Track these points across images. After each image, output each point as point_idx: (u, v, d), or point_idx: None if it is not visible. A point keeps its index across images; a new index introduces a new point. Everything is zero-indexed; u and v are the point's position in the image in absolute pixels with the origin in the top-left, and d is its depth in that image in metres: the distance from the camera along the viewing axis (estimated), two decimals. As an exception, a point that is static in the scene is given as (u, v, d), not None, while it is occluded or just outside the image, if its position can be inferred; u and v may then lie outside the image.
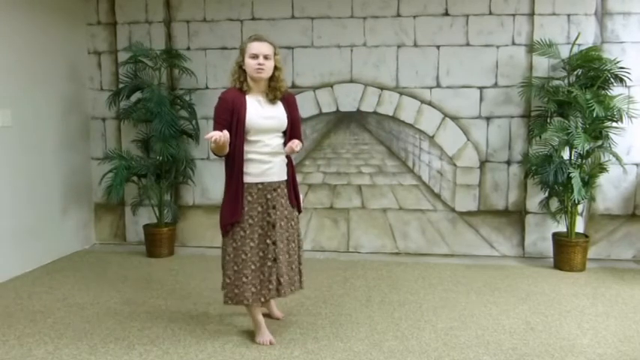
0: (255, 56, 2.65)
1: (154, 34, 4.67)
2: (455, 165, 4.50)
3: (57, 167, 4.41)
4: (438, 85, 4.43)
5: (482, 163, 4.47)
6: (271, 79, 2.73)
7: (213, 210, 4.77)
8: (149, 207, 4.57)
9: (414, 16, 4.41)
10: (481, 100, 4.41)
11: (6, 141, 3.85)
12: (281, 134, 2.78)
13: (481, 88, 4.40)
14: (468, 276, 3.95)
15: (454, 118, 4.45)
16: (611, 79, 4.01)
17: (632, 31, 4.20)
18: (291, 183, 2.86)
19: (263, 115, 2.70)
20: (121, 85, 4.53)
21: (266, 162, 2.72)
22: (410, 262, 4.31)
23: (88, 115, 4.83)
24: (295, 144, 2.65)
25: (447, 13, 4.38)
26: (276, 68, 2.71)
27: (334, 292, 3.57)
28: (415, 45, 4.43)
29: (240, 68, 2.72)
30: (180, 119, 4.49)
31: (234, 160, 2.69)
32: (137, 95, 4.42)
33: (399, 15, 4.43)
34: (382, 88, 4.48)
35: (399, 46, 4.45)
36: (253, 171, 2.71)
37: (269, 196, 2.74)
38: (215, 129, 2.60)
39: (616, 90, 4.04)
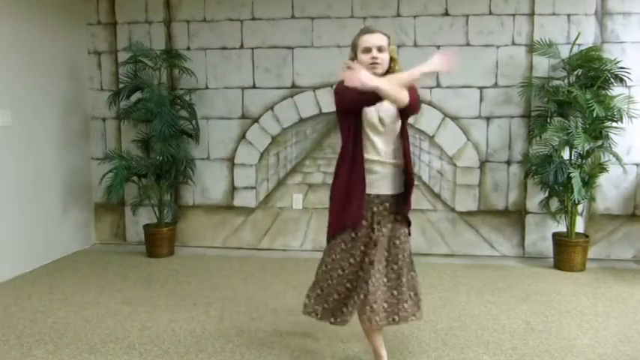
0: (367, 50, 2.33)
1: (154, 34, 4.67)
2: (455, 165, 4.50)
3: (57, 167, 4.41)
4: (438, 85, 4.43)
5: (483, 163, 4.47)
6: (387, 72, 2.37)
7: (213, 210, 4.78)
8: (149, 207, 4.57)
9: (414, 16, 4.41)
10: (481, 100, 4.41)
11: (6, 141, 3.85)
12: (395, 139, 2.40)
13: (481, 88, 4.40)
14: (468, 276, 3.95)
15: (454, 118, 4.45)
16: (611, 79, 4.01)
17: (632, 31, 4.20)
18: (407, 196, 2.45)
19: (380, 109, 2.34)
20: (121, 85, 4.53)
21: (375, 172, 2.37)
22: (410, 262, 4.31)
23: (88, 115, 4.83)
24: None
25: (447, 13, 4.38)
26: (392, 59, 2.38)
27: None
28: (415, 45, 4.43)
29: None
30: (180, 119, 4.49)
31: (352, 160, 2.34)
32: (137, 95, 4.41)
33: (399, 15, 4.43)
34: (382, 88, 4.47)
35: (399, 46, 4.43)
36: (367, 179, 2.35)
37: (375, 210, 2.38)
38: (350, 93, 2.24)
39: (616, 90, 4.04)
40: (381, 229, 2.37)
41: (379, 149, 2.37)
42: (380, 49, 2.34)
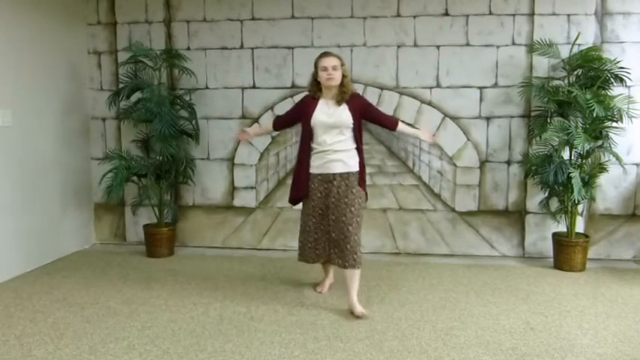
0: (325, 69, 3.18)
1: (154, 34, 4.67)
2: (455, 165, 4.50)
3: (57, 167, 4.41)
4: (438, 85, 4.43)
5: (483, 163, 4.47)
6: (341, 85, 3.23)
7: (213, 210, 4.78)
8: (149, 207, 4.57)
9: (414, 16, 4.41)
10: (481, 100, 4.41)
11: (6, 141, 3.85)
12: (345, 132, 3.23)
13: (481, 88, 4.40)
14: (468, 276, 3.95)
15: (454, 118, 4.45)
16: (611, 79, 4.00)
17: (632, 31, 4.20)
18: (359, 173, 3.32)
19: (327, 112, 3.23)
20: (121, 85, 4.53)
21: (324, 157, 3.24)
22: (410, 262, 4.31)
23: (88, 115, 4.83)
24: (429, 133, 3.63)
25: (447, 13, 4.38)
26: (343, 76, 3.23)
27: (334, 292, 3.56)
28: (415, 45, 4.43)
29: (315, 80, 3.27)
30: (180, 119, 4.49)
31: (302, 151, 3.33)
32: (137, 95, 4.41)
33: (399, 15, 4.43)
34: (382, 88, 4.48)
35: (399, 46, 4.45)
36: (315, 163, 3.28)
37: (325, 186, 3.26)
38: (286, 112, 3.58)
39: (616, 90, 4.04)
40: (331, 198, 3.24)
41: (323, 141, 3.24)
42: (334, 68, 3.18)
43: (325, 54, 3.25)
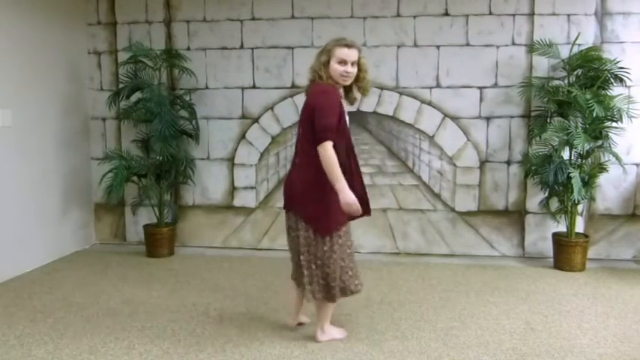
0: (343, 62, 2.57)
1: (154, 34, 4.67)
2: (455, 165, 4.50)
3: (57, 167, 4.42)
4: (438, 85, 4.43)
5: (482, 163, 4.47)
6: (357, 79, 2.67)
7: (213, 210, 4.78)
8: (149, 207, 4.57)
9: (414, 16, 4.41)
10: (481, 100, 4.41)
11: (6, 141, 3.85)
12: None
13: (481, 88, 4.40)
14: (467, 276, 3.95)
15: (454, 118, 4.45)
16: (611, 79, 4.01)
17: (632, 31, 4.20)
18: None
19: (347, 117, 2.68)
20: (121, 85, 4.53)
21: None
22: (410, 262, 4.31)
23: (88, 115, 4.83)
24: None
25: (447, 13, 4.38)
26: (360, 70, 2.65)
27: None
28: (415, 45, 4.43)
29: (324, 66, 2.60)
30: (180, 119, 4.49)
31: (347, 157, 2.62)
32: (137, 95, 4.41)
33: (399, 15, 4.43)
34: (382, 88, 4.48)
35: (399, 46, 4.45)
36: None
37: None
38: (333, 121, 2.51)
39: (616, 90, 4.04)
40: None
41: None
42: (353, 64, 2.58)
43: (346, 44, 2.59)
